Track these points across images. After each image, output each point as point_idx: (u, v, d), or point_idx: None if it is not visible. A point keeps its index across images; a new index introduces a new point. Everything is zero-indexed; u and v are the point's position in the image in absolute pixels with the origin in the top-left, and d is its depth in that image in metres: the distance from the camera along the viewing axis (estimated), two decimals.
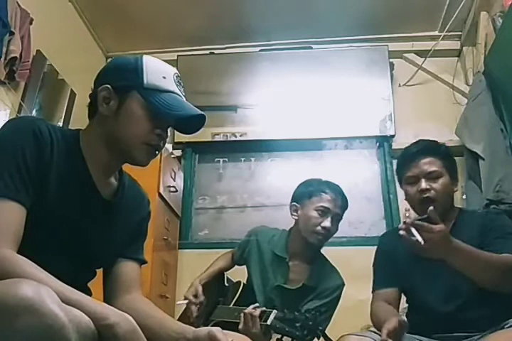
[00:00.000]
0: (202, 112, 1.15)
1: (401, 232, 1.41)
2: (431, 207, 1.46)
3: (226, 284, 2.17)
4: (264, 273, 1.97)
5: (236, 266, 2.18)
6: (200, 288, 1.96)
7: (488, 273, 1.43)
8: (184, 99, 1.16)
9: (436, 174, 1.63)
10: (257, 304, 1.62)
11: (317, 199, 1.92)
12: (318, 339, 1.46)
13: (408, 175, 1.67)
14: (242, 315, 1.59)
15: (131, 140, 1.11)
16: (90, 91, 1.18)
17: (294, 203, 2.00)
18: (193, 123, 1.18)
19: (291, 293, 1.89)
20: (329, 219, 1.89)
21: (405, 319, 1.46)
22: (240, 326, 1.58)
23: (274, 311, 1.50)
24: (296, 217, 1.98)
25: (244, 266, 2.09)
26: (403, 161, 1.73)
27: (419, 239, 1.36)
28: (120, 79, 1.12)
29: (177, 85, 1.15)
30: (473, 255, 1.43)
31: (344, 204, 1.96)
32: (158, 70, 1.13)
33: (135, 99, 1.11)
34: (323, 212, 1.90)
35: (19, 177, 0.99)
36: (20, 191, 0.98)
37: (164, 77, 1.13)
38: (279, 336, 1.58)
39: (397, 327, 1.37)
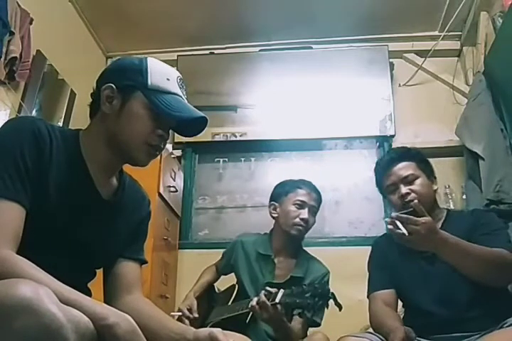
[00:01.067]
0: (204, 115, 1.16)
1: (388, 226, 1.45)
2: (415, 201, 1.52)
3: (217, 291, 2.20)
4: (252, 273, 2.03)
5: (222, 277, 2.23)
6: (195, 303, 2.01)
7: (479, 266, 1.45)
8: (187, 102, 1.17)
9: (412, 177, 1.68)
10: (268, 288, 1.66)
11: (293, 194, 2.06)
12: (327, 307, 1.48)
13: (387, 184, 1.72)
14: (252, 305, 1.64)
15: (132, 139, 1.11)
16: (90, 91, 1.19)
17: (273, 202, 2.13)
18: (194, 125, 1.18)
19: (282, 287, 1.91)
20: (306, 210, 2.02)
21: (411, 329, 1.47)
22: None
23: (282, 290, 1.55)
24: (276, 215, 2.09)
25: (232, 274, 2.14)
26: (379, 173, 1.78)
27: (404, 231, 1.41)
28: (124, 79, 1.13)
29: (180, 88, 1.16)
30: (463, 247, 1.45)
31: (318, 198, 2.09)
32: (162, 72, 1.14)
33: (138, 99, 1.11)
34: (300, 205, 2.03)
35: (18, 178, 0.99)
36: (20, 191, 0.98)
37: (168, 79, 1.14)
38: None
39: (405, 338, 1.39)
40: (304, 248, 2.11)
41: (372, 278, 1.75)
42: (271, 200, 2.14)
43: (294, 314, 1.53)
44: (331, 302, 1.58)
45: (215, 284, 2.23)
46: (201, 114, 1.16)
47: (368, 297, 1.72)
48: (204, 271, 2.22)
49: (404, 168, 1.70)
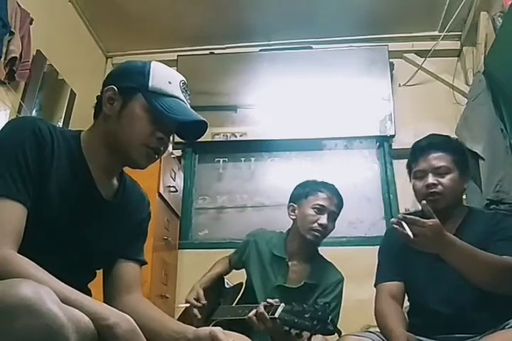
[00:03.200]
0: (204, 119, 1.16)
1: (394, 226, 1.42)
2: (423, 201, 1.47)
3: (226, 286, 2.18)
4: (264, 273, 1.99)
5: (234, 270, 2.19)
6: (201, 292, 1.97)
7: (484, 272, 1.41)
8: (188, 106, 1.17)
9: (444, 169, 1.61)
10: (269, 300, 1.60)
11: (313, 198, 1.99)
12: (327, 333, 1.45)
13: (416, 169, 1.66)
14: (249, 316, 1.58)
15: (131, 141, 1.11)
16: (90, 91, 1.20)
17: (292, 203, 2.06)
18: (194, 129, 1.18)
19: (294, 292, 1.90)
20: (325, 216, 1.95)
21: (413, 335, 1.46)
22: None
23: (282, 304, 1.51)
24: (294, 217, 2.03)
25: (243, 270, 2.11)
26: (413, 155, 1.71)
27: (409, 233, 1.38)
28: (126, 81, 1.14)
29: (182, 92, 1.16)
30: (469, 252, 1.42)
31: (339, 203, 2.02)
32: (164, 75, 1.15)
33: (139, 101, 1.12)
34: (319, 209, 1.96)
35: (20, 177, 0.99)
36: (21, 191, 0.98)
37: (170, 82, 1.14)
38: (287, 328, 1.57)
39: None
40: None
41: (382, 268, 1.72)
42: (290, 201, 2.08)
43: (292, 333, 1.49)
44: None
45: (227, 277, 2.19)
46: (200, 117, 1.16)
47: (375, 286, 1.69)
48: (217, 262, 2.18)
49: (439, 159, 1.62)
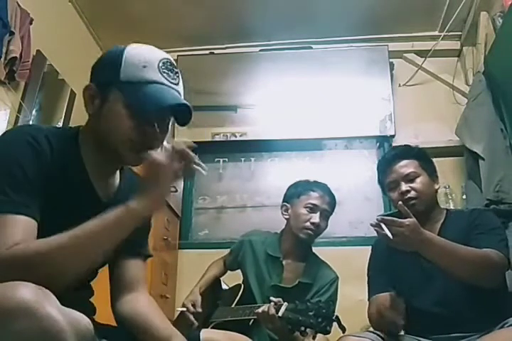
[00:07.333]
0: (184, 101, 1.08)
1: (374, 228, 1.46)
2: (400, 202, 1.52)
3: (223, 288, 2.19)
4: (260, 273, 2.01)
5: (230, 272, 2.21)
6: (199, 298, 2.00)
7: (464, 266, 1.45)
8: (173, 87, 1.08)
9: (413, 175, 1.69)
10: (272, 299, 1.62)
11: (305, 197, 2.02)
12: (329, 332, 1.46)
13: (388, 181, 1.74)
14: (257, 311, 1.61)
15: (114, 138, 1.06)
16: None
17: (285, 203, 2.09)
18: (183, 113, 1.11)
19: (289, 291, 1.92)
20: (318, 214, 1.98)
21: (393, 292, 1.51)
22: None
23: (285, 303, 1.53)
24: (287, 216, 2.06)
25: (239, 271, 2.13)
26: (381, 170, 1.80)
27: (388, 234, 1.41)
28: (101, 76, 1.08)
29: (163, 73, 1.06)
30: (448, 247, 1.45)
31: (332, 201, 2.05)
32: (138, 60, 1.05)
33: (115, 96, 1.05)
34: (312, 208, 1.99)
35: (25, 193, 0.96)
36: (30, 206, 0.96)
37: (145, 66, 1.05)
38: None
39: (390, 301, 1.45)
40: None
41: (373, 282, 1.74)
42: (283, 201, 2.10)
43: (296, 331, 1.49)
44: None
45: (222, 278, 2.21)
46: (182, 101, 1.08)
47: (368, 300, 1.71)
48: (211, 265, 2.20)
49: (405, 166, 1.71)
